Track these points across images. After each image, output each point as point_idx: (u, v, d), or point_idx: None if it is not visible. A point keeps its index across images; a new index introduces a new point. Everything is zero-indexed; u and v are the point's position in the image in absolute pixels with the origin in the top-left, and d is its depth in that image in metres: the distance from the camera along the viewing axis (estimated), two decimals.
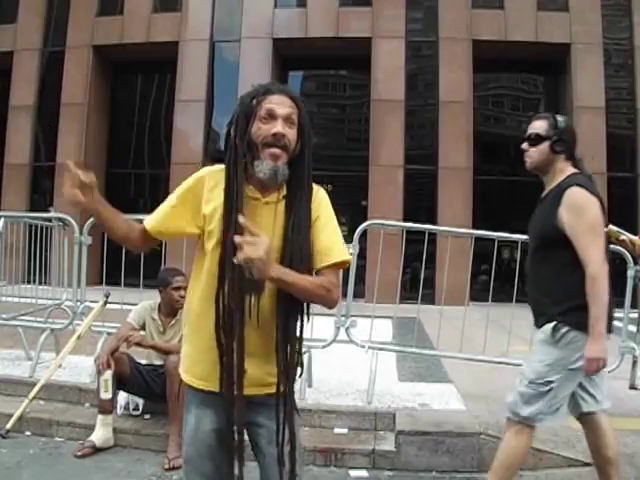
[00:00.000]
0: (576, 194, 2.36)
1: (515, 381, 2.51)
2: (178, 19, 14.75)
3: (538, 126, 2.51)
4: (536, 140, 2.50)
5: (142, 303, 3.85)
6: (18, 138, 14.90)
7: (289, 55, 14.65)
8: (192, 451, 1.68)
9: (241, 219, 1.45)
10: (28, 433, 3.65)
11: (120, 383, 3.51)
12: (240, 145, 1.60)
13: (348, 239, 3.38)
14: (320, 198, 1.70)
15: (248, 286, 1.54)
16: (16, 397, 3.94)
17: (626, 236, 2.82)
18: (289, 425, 1.61)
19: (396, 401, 3.90)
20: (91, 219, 4.55)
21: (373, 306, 4.36)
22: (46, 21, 15.31)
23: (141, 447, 3.49)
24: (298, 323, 1.63)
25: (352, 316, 4.11)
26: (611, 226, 2.88)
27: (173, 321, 3.71)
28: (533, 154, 2.52)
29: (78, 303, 4.49)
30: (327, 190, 1.77)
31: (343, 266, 1.68)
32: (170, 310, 3.72)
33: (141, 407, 3.76)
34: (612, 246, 3.65)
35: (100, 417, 3.42)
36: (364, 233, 4.06)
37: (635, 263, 3.95)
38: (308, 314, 1.66)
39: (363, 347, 4.12)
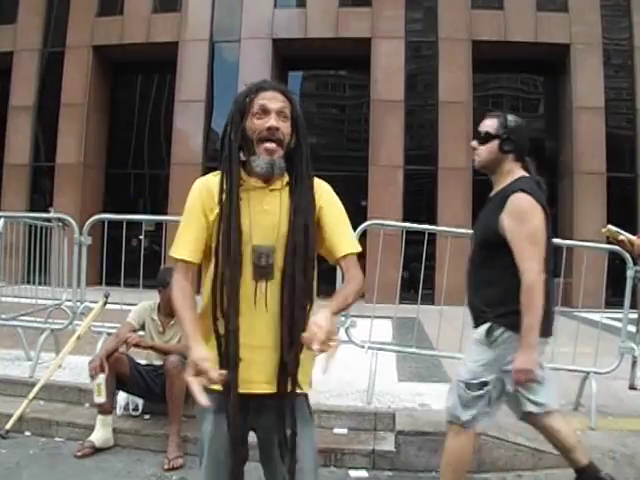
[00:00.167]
0: (520, 200, 2.32)
1: (452, 383, 2.49)
2: (178, 19, 14.76)
3: (488, 124, 2.48)
4: (485, 138, 2.46)
5: (142, 303, 3.85)
6: (18, 138, 14.90)
7: (289, 55, 14.66)
8: (210, 461, 1.65)
9: None
10: (28, 433, 3.65)
11: (120, 383, 3.51)
12: (234, 140, 1.63)
13: None
14: (322, 190, 1.73)
15: (261, 273, 1.57)
16: (16, 397, 3.93)
17: (625, 236, 2.82)
18: (291, 428, 1.59)
19: (396, 401, 3.89)
20: (91, 219, 4.55)
21: (373, 306, 4.36)
22: (46, 21, 15.32)
23: (141, 447, 3.49)
24: (304, 312, 1.62)
25: (352, 316, 4.11)
26: (610, 226, 2.89)
27: (172, 321, 3.70)
28: (482, 152, 2.49)
29: (78, 303, 4.49)
30: None
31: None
32: (170, 310, 3.71)
33: (141, 407, 3.76)
34: (612, 246, 3.68)
35: (100, 417, 3.42)
36: (364, 233, 4.06)
37: (634, 263, 3.95)
38: (312, 303, 1.65)
39: (363, 347, 4.12)
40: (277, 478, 1.66)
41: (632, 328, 4.14)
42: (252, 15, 14.43)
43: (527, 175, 2.45)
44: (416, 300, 4.51)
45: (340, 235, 1.70)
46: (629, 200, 13.74)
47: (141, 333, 3.73)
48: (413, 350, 4.39)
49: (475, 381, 2.36)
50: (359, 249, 1.71)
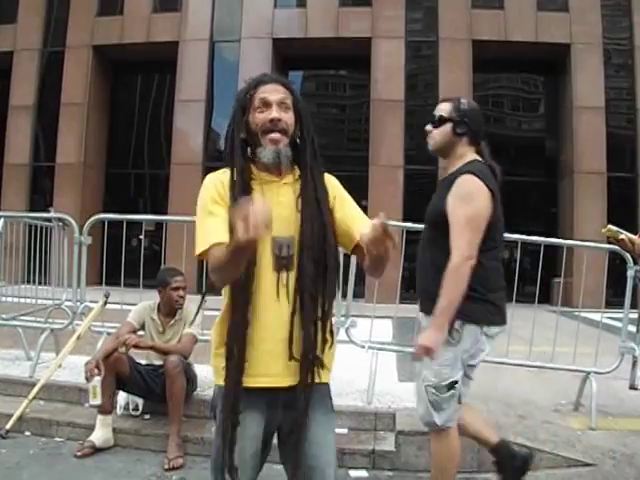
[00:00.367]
0: (467, 182, 2.29)
1: (419, 390, 2.42)
2: (178, 19, 14.75)
3: (442, 108, 2.47)
4: (439, 122, 2.45)
5: (142, 303, 3.85)
6: (18, 138, 14.90)
7: (289, 55, 14.65)
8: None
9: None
10: (28, 433, 3.65)
11: (120, 383, 3.51)
12: (237, 134, 1.64)
13: None
14: (332, 184, 1.76)
15: (281, 264, 1.58)
16: (16, 397, 3.93)
17: (625, 235, 2.81)
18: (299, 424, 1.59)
19: (396, 401, 3.89)
20: (91, 219, 4.55)
21: (373, 306, 4.36)
22: (46, 21, 15.31)
23: (141, 447, 3.48)
24: (314, 303, 1.60)
25: (352, 316, 4.11)
26: (610, 225, 2.88)
27: (172, 321, 3.70)
28: (435, 135, 2.47)
29: (78, 303, 4.49)
30: None
31: None
32: (169, 310, 3.72)
33: (141, 407, 3.76)
34: (612, 246, 3.67)
35: (100, 417, 3.42)
36: None
37: (635, 263, 3.95)
38: (329, 293, 1.63)
39: (363, 347, 4.12)
40: (300, 471, 1.64)
41: (632, 328, 4.14)
42: (252, 15, 14.42)
43: (480, 159, 2.43)
44: (416, 300, 4.50)
45: (361, 219, 1.71)
46: (629, 200, 13.73)
47: (141, 333, 3.73)
48: (413, 350, 4.39)
49: (444, 383, 2.32)
50: None
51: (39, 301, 5.25)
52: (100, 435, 3.40)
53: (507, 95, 15.75)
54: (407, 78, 14.02)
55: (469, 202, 2.26)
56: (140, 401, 3.75)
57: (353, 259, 3.71)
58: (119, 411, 3.72)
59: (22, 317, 5.01)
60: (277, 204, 1.59)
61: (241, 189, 1.58)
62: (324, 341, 1.62)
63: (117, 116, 16.03)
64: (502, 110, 15.70)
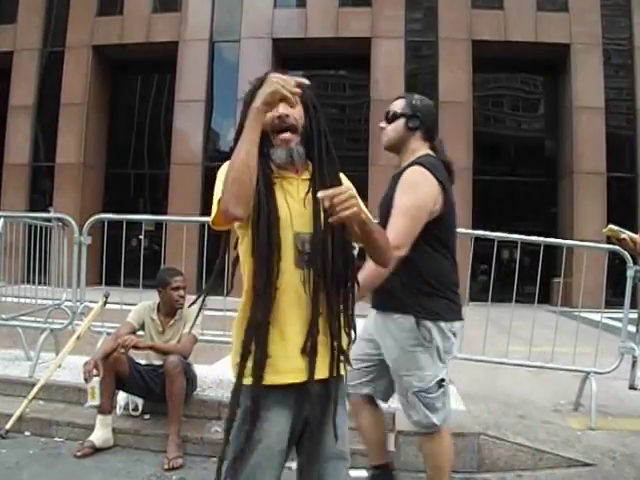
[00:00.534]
0: (413, 172, 2.28)
1: (409, 401, 2.38)
2: (178, 19, 14.76)
3: (396, 104, 2.46)
4: (393, 118, 2.44)
5: (141, 303, 3.84)
6: (18, 138, 14.91)
7: (289, 55, 14.66)
8: (258, 458, 1.57)
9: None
10: (28, 433, 3.64)
11: (119, 383, 3.50)
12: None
13: None
14: (346, 185, 1.72)
15: (303, 259, 1.57)
16: (16, 397, 3.92)
17: (626, 234, 2.80)
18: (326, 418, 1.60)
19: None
20: (91, 219, 4.54)
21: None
22: (46, 21, 15.32)
23: (141, 447, 3.48)
24: (345, 296, 1.64)
25: None
26: (611, 225, 2.87)
27: (172, 321, 3.70)
28: (389, 132, 2.47)
29: (78, 303, 4.48)
30: None
31: None
32: (169, 310, 3.71)
33: (141, 407, 3.75)
34: (612, 246, 3.67)
35: (99, 417, 3.41)
36: None
37: (634, 263, 3.94)
38: (341, 285, 1.64)
39: None
40: (313, 465, 1.64)
41: (632, 328, 4.13)
42: (252, 15, 14.43)
43: (432, 154, 2.41)
44: None
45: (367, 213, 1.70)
46: (629, 200, 13.74)
47: (141, 333, 3.73)
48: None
49: (432, 384, 2.31)
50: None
51: (39, 301, 5.24)
52: (100, 435, 3.40)
53: (507, 95, 15.77)
54: (407, 78, 14.04)
55: (413, 191, 2.24)
56: (140, 401, 3.75)
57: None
58: (119, 411, 3.72)
59: (22, 317, 5.01)
60: (298, 200, 1.60)
61: (264, 183, 1.57)
62: (348, 335, 1.66)
63: (117, 116, 16.04)
64: (502, 110, 15.71)
